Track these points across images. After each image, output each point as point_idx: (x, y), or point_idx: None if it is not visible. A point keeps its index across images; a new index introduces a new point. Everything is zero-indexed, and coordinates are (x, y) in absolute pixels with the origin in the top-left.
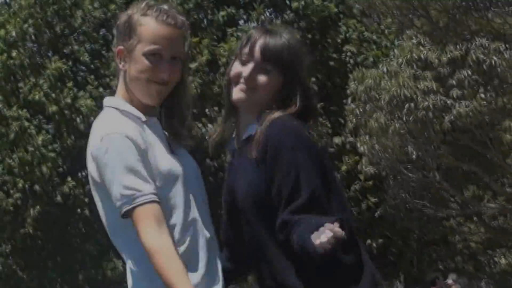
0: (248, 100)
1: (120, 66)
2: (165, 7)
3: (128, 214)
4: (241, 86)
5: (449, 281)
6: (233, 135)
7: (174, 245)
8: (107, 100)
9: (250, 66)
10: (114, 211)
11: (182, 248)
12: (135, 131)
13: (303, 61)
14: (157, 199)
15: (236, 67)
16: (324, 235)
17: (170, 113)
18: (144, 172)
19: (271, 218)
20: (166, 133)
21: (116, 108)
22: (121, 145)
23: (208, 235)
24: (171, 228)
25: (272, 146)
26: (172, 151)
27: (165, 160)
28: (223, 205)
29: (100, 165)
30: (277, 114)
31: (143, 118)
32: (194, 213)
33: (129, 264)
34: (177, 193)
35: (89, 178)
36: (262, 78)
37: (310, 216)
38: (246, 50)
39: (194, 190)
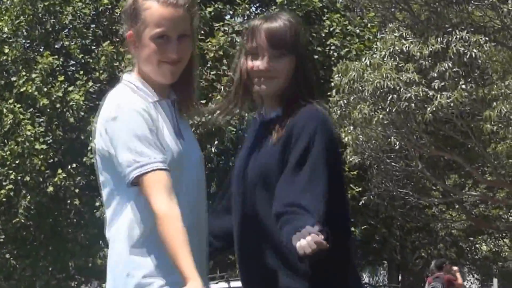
0: (273, 88)
1: (132, 50)
2: None
3: (136, 182)
4: (263, 79)
5: (455, 267)
6: (255, 115)
7: (181, 215)
8: (124, 76)
9: (264, 58)
10: (119, 188)
11: None
12: (146, 106)
13: (304, 38)
14: (167, 168)
15: (250, 63)
16: (304, 240)
17: (181, 85)
18: (155, 140)
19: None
20: (175, 115)
21: (130, 84)
22: (132, 115)
23: (196, 222)
24: None
25: (296, 130)
26: (180, 135)
27: (170, 142)
28: (232, 180)
29: (110, 135)
30: (308, 106)
31: (155, 98)
32: (188, 198)
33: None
34: (176, 177)
35: (97, 156)
36: (277, 66)
37: (297, 216)
38: (253, 43)
39: (194, 176)
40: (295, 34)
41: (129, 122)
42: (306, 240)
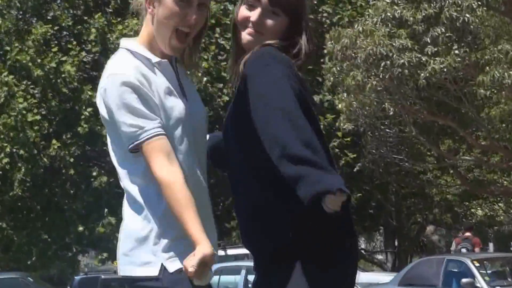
0: (256, 44)
1: (149, 10)
2: None
3: (136, 151)
4: (250, 30)
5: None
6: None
7: (183, 177)
8: (122, 42)
9: (257, 10)
10: (122, 146)
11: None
12: (140, 71)
13: (306, 4)
14: (162, 132)
15: (243, 11)
16: (335, 206)
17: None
18: (145, 110)
19: (253, 148)
20: (184, 75)
21: (128, 50)
22: (122, 85)
23: (197, 183)
24: None
25: (246, 72)
26: (183, 93)
27: (171, 101)
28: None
29: (106, 104)
30: (275, 44)
31: (154, 59)
32: (190, 158)
33: (132, 198)
34: (178, 135)
35: (100, 116)
36: (270, 22)
37: (311, 172)
38: None
39: (197, 136)
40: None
41: (119, 93)
42: (333, 200)
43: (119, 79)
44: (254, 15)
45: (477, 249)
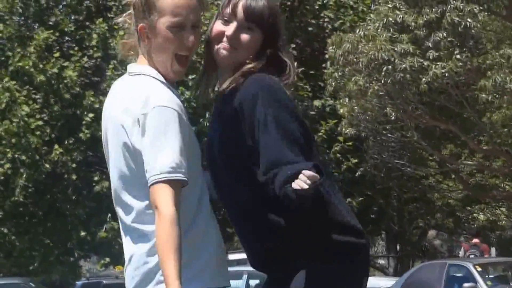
0: (231, 59)
1: (145, 43)
2: None
3: (156, 183)
4: (224, 45)
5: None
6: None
7: (179, 223)
8: (139, 68)
9: (233, 25)
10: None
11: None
12: (176, 101)
13: (281, 21)
14: (187, 180)
15: (218, 26)
16: (298, 179)
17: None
18: (186, 150)
19: (248, 174)
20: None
21: (152, 77)
22: (173, 118)
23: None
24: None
25: (247, 102)
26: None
27: (192, 136)
28: (207, 163)
29: (146, 132)
30: (255, 68)
31: (171, 87)
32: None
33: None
34: (195, 167)
35: (113, 138)
36: (245, 37)
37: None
38: (228, 10)
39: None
40: (272, 15)
41: (171, 126)
42: (300, 178)
43: (170, 113)
44: (229, 29)
45: (486, 256)
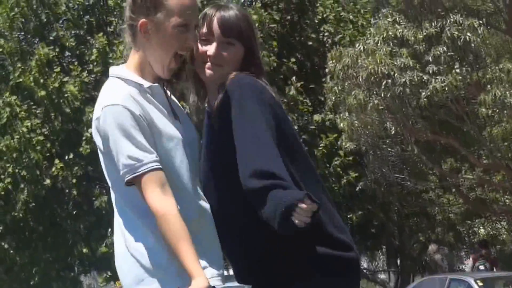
0: (218, 76)
1: (144, 39)
2: None
3: (132, 183)
4: (209, 64)
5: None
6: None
7: (177, 208)
8: (111, 70)
9: (213, 44)
10: (119, 177)
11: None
12: (135, 99)
13: (255, 27)
14: (159, 166)
15: (200, 47)
16: (304, 216)
17: (179, 76)
18: (144, 141)
19: (238, 188)
20: (173, 98)
21: (119, 77)
22: (120, 116)
23: (199, 207)
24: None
25: (230, 103)
26: (175, 116)
27: (168, 125)
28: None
29: (102, 136)
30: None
31: (146, 84)
32: (191, 177)
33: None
34: (178, 157)
35: (98, 150)
36: (226, 53)
37: (276, 190)
38: (205, 29)
39: (194, 156)
40: (247, 24)
41: (117, 124)
42: (298, 213)
43: (116, 110)
44: (211, 49)
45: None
